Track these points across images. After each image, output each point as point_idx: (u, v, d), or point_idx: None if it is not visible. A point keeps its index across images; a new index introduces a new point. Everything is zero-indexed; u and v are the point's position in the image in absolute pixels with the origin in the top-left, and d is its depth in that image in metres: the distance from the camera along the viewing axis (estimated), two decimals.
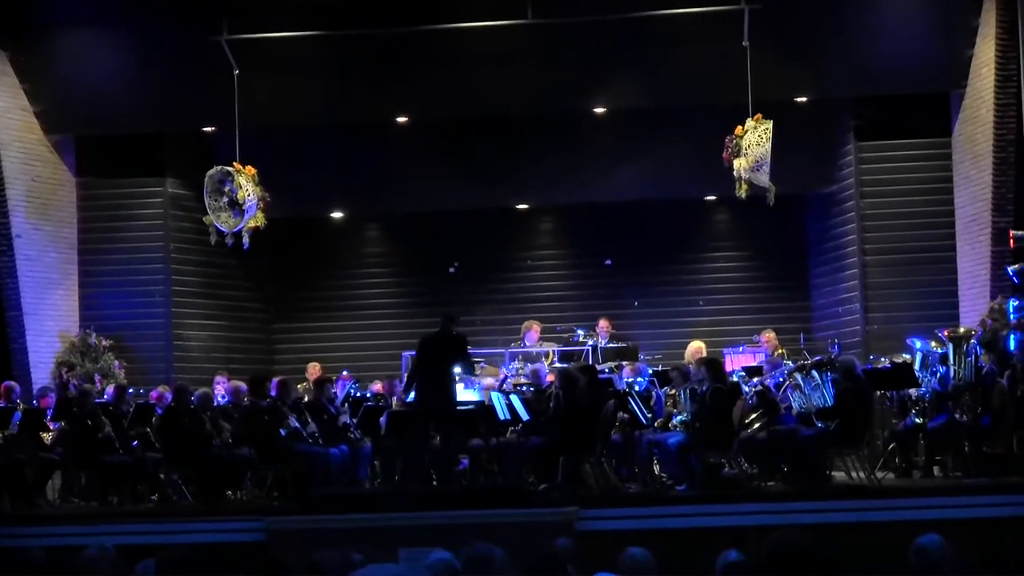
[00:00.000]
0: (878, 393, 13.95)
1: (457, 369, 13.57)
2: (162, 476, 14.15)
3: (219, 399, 15.43)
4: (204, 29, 16.21)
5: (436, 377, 13.23)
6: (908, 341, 14.84)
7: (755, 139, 14.79)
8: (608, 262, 18.92)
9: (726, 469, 13.44)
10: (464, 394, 15.06)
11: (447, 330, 13.53)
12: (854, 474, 13.18)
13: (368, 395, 15.50)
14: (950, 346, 13.40)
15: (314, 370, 17.08)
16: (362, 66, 16.67)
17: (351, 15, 16.29)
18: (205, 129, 17.74)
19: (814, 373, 13.37)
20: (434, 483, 13.39)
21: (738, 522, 11.80)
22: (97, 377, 16.67)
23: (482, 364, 16.81)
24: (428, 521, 11.66)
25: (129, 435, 14.32)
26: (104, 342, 17.37)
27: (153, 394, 15.84)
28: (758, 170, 14.80)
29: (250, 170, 15.84)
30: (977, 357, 13.32)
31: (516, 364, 16.33)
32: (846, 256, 17.61)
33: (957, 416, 13.30)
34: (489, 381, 15.41)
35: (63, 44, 17.10)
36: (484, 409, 14.00)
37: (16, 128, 17.13)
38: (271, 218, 16.24)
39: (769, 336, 16.52)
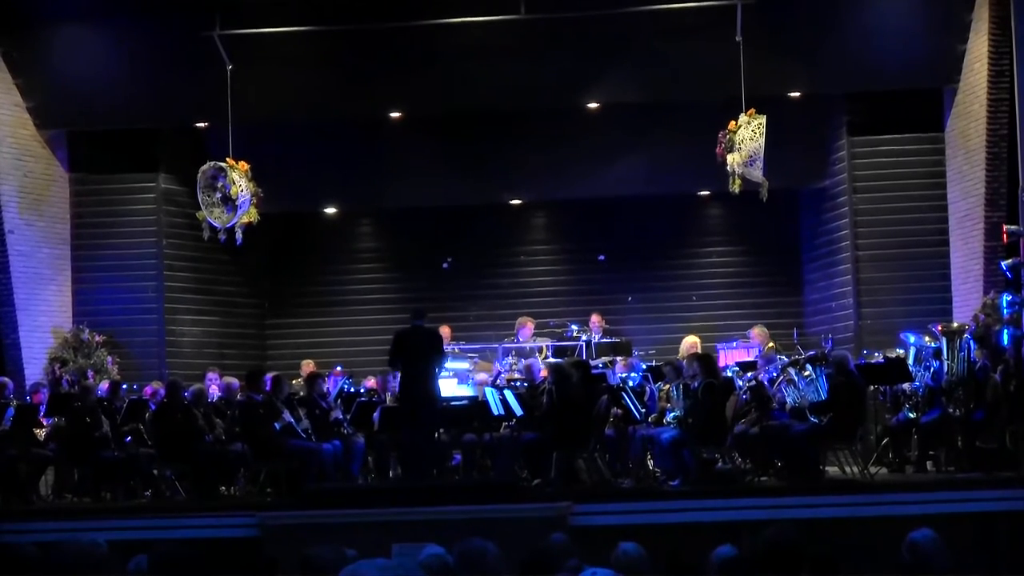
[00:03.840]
0: (871, 388, 13.97)
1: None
2: (155, 472, 14.15)
3: (212, 395, 15.42)
4: (197, 24, 16.17)
5: (417, 373, 13.21)
6: (901, 336, 14.88)
7: (748, 134, 14.79)
8: (601, 257, 18.89)
9: (719, 464, 13.45)
10: (458, 389, 15.08)
11: (421, 324, 13.52)
12: (847, 469, 13.20)
13: (361, 390, 15.51)
14: (943, 341, 13.43)
15: (308, 367, 17.06)
16: (355, 62, 16.65)
17: (344, 10, 16.26)
18: (198, 124, 17.72)
19: (808, 368, 13.39)
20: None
21: (731, 517, 11.85)
22: (90, 373, 16.64)
23: (475, 359, 16.83)
24: (421, 516, 11.69)
25: (122, 431, 14.32)
26: (97, 338, 17.34)
27: (147, 390, 15.86)
28: (751, 165, 14.80)
29: (243, 165, 15.82)
30: (970, 352, 13.34)
31: (510, 359, 16.35)
32: (839, 251, 17.61)
33: (950, 411, 13.34)
34: (482, 376, 15.43)
35: (56, 39, 17.06)
36: (478, 404, 14.00)
37: (8, 123, 17.09)
38: (264, 213, 16.23)
39: (757, 332, 16.53)
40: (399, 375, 13.54)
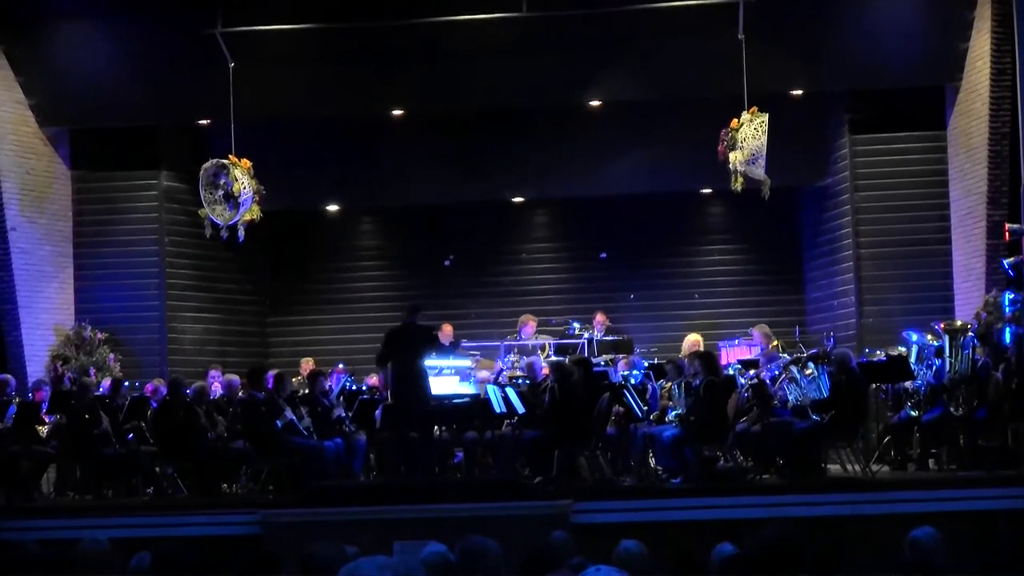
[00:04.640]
0: (873, 386, 13.96)
1: (432, 362, 13.50)
2: (157, 469, 14.15)
3: (214, 392, 15.43)
4: (199, 22, 16.18)
5: (409, 371, 13.20)
6: (904, 334, 14.86)
7: (750, 132, 14.78)
8: (603, 255, 18.90)
9: (721, 462, 13.45)
10: (460, 387, 15.07)
11: (414, 321, 13.51)
12: (849, 467, 13.20)
13: (363, 388, 15.51)
14: (945, 339, 13.43)
15: (307, 365, 17.07)
16: (357, 59, 16.65)
17: (346, 8, 16.27)
18: (200, 122, 17.73)
19: (809, 366, 13.39)
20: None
21: (732, 515, 11.84)
22: (92, 370, 16.65)
23: (477, 357, 16.82)
24: (423, 514, 11.68)
25: (124, 428, 14.33)
26: (99, 335, 17.35)
27: (148, 387, 15.86)
28: (753, 163, 14.79)
29: (245, 163, 15.81)
30: (974, 350, 13.34)
31: (512, 357, 16.35)
32: (841, 249, 17.61)
33: (952, 409, 13.33)
34: (484, 374, 15.44)
35: (58, 37, 17.08)
36: (479, 402, 14.00)
37: (11, 121, 17.11)
38: (266, 211, 16.22)
39: (758, 330, 16.51)
40: (387, 372, 13.54)
